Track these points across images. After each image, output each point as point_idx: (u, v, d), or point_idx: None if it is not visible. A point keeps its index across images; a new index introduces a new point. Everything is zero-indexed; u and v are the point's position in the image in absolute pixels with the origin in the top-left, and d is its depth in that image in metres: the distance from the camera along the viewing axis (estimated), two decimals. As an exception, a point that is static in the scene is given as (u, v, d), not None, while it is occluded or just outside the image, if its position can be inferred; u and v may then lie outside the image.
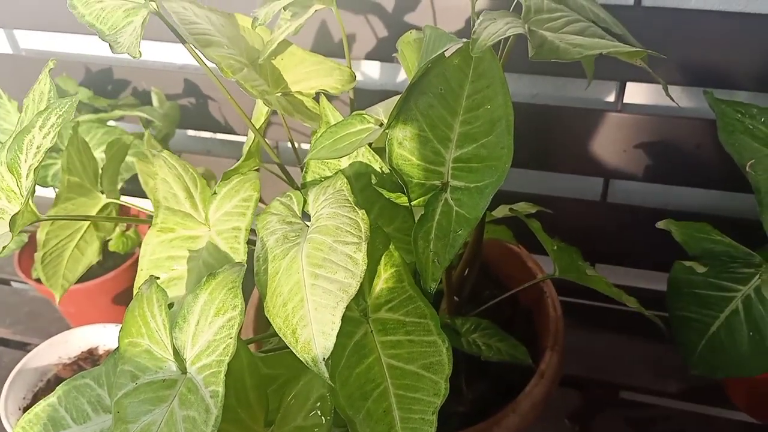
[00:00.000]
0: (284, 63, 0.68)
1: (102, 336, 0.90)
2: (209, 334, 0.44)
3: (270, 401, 0.49)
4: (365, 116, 0.55)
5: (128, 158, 0.93)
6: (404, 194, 0.52)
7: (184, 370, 0.45)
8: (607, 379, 0.88)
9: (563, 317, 0.68)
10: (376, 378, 0.48)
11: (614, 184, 0.97)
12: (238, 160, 0.64)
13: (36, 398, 0.85)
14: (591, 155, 0.89)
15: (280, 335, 0.44)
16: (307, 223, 0.50)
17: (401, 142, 0.51)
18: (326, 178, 0.57)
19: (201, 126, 1.09)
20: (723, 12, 0.78)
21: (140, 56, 0.54)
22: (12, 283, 1.15)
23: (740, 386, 0.83)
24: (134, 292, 0.53)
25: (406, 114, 0.51)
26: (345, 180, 0.51)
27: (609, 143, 0.88)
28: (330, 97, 0.63)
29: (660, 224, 0.70)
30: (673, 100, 0.59)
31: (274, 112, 0.69)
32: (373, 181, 0.56)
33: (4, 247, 0.48)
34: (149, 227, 0.60)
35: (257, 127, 0.66)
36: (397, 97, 0.52)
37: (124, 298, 0.97)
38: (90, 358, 0.90)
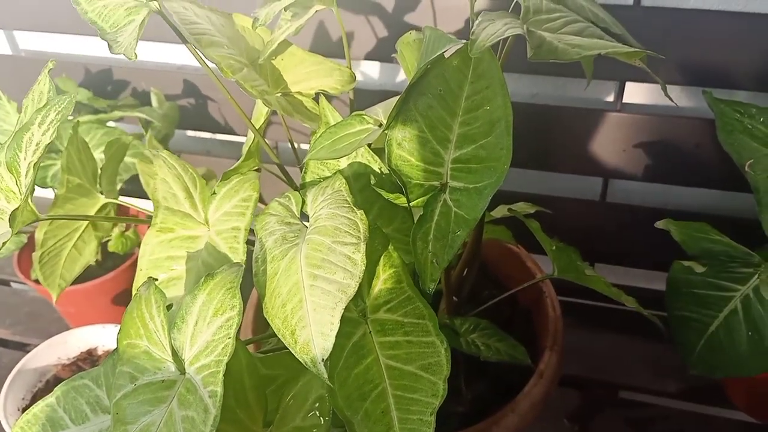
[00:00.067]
0: (284, 63, 0.68)
1: (101, 336, 0.90)
2: (208, 335, 0.44)
3: (269, 402, 0.49)
4: (364, 117, 0.55)
5: (128, 159, 0.94)
6: (403, 195, 0.52)
7: (182, 371, 0.45)
8: (607, 379, 0.88)
9: (562, 317, 0.68)
10: (374, 378, 0.48)
11: (613, 184, 0.97)
12: (238, 160, 0.64)
13: (35, 399, 0.85)
14: (590, 155, 0.89)
15: (279, 336, 0.44)
16: (306, 223, 0.50)
17: (400, 143, 0.51)
18: (325, 178, 0.57)
19: (200, 126, 1.09)
20: (722, 12, 0.78)
21: (136, 58, 0.54)
22: (12, 283, 1.15)
23: (739, 386, 0.83)
24: (133, 293, 0.53)
25: (405, 115, 0.51)
26: (344, 180, 0.51)
27: (608, 143, 0.88)
28: (329, 98, 0.63)
29: (659, 224, 0.70)
30: (672, 100, 0.59)
31: (273, 113, 0.69)
32: (372, 181, 0.56)
33: (4, 243, 0.48)
34: (148, 227, 0.60)
35: (257, 128, 0.66)
36: (397, 98, 0.52)
37: (123, 298, 0.97)
38: (89, 359, 0.90)
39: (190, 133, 1.16)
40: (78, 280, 0.82)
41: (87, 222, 0.78)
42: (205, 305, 0.46)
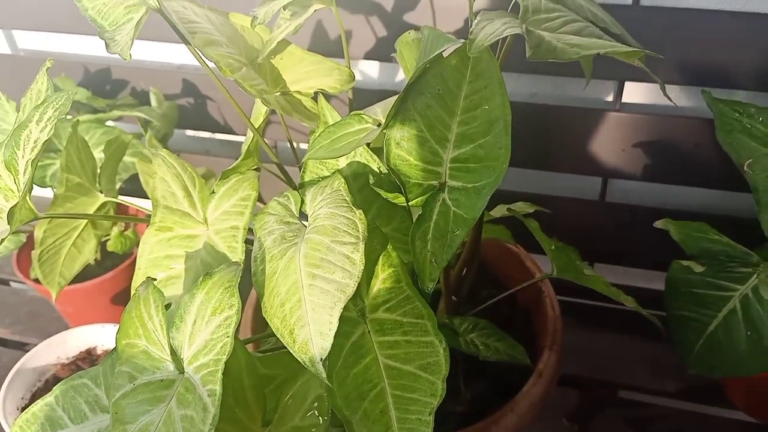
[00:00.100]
0: (283, 62, 0.68)
1: (100, 336, 0.90)
2: (206, 334, 0.44)
3: (267, 401, 0.49)
4: (363, 116, 0.55)
5: (127, 158, 0.94)
6: (402, 194, 0.52)
7: (181, 370, 0.45)
8: (606, 379, 0.88)
9: (561, 317, 0.68)
10: (373, 378, 0.48)
11: (613, 184, 0.97)
12: (237, 159, 0.64)
13: (34, 398, 0.85)
14: (589, 155, 0.89)
15: (278, 335, 0.44)
16: (305, 223, 0.50)
17: (399, 143, 0.51)
18: (324, 178, 0.57)
19: (200, 126, 1.09)
20: (721, 11, 0.78)
21: (130, 59, 0.54)
22: (11, 283, 1.15)
23: (738, 385, 0.83)
24: (132, 291, 0.53)
25: (403, 114, 0.51)
26: (342, 180, 0.51)
27: (608, 143, 0.88)
28: (328, 97, 0.63)
29: (658, 223, 0.70)
30: (671, 100, 0.59)
31: (272, 112, 0.69)
32: (371, 181, 0.56)
33: (2, 241, 0.48)
34: (147, 227, 0.60)
35: (256, 127, 0.66)
36: (396, 98, 0.52)
37: (122, 298, 0.97)
38: (88, 358, 0.90)
39: (190, 132, 1.16)
40: (77, 279, 0.82)
41: (86, 220, 0.78)
42: (204, 304, 0.46)
